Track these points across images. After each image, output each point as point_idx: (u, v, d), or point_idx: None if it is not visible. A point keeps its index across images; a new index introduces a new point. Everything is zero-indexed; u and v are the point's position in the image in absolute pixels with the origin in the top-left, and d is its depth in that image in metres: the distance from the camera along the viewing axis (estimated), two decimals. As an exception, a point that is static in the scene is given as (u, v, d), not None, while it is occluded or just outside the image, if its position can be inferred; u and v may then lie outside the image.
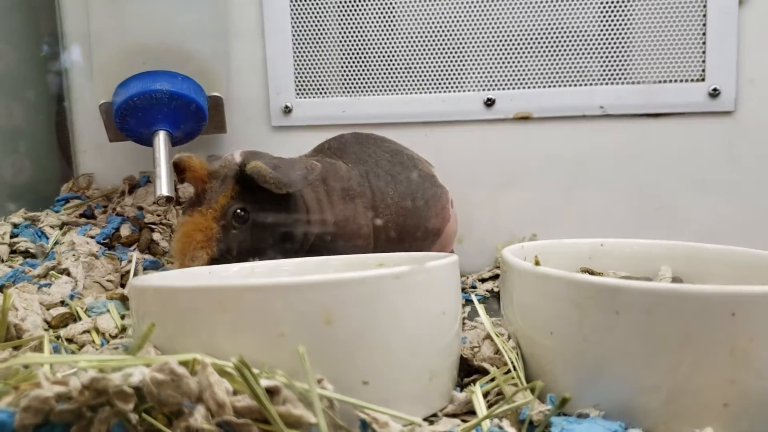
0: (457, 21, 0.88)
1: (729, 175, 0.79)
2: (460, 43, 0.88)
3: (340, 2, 0.90)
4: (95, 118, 0.85)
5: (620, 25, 0.84)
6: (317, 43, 0.91)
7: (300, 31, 0.91)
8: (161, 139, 0.75)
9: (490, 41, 0.87)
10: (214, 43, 0.84)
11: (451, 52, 0.88)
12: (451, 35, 0.88)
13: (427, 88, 0.90)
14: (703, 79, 0.83)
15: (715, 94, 0.82)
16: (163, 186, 0.72)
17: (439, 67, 0.89)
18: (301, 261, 0.58)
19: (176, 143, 0.80)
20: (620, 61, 0.85)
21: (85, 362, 0.36)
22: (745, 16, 0.81)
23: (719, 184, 0.78)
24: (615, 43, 0.84)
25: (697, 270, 0.56)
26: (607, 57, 0.85)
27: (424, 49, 0.89)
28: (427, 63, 0.89)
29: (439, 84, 0.89)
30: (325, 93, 0.92)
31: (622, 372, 0.41)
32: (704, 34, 0.82)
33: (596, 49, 0.85)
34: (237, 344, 0.38)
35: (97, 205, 0.90)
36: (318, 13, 0.90)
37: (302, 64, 0.92)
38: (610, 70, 0.85)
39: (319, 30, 0.91)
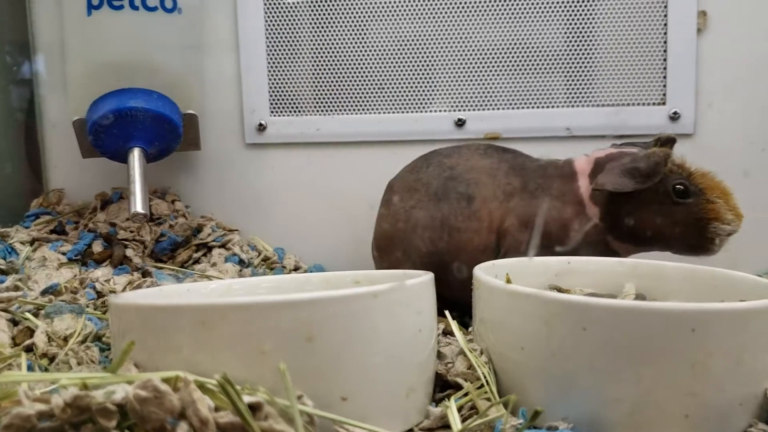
0: (430, 42, 0.90)
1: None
2: (432, 65, 0.90)
3: (314, 22, 0.91)
4: (67, 132, 0.85)
5: (586, 50, 0.87)
6: (291, 61, 0.92)
7: (274, 49, 0.92)
8: (136, 156, 0.76)
9: (461, 63, 0.90)
10: (189, 61, 0.84)
11: (423, 73, 0.91)
12: (423, 56, 0.90)
13: (400, 108, 0.91)
14: (664, 103, 0.86)
15: (675, 117, 0.86)
16: (138, 203, 0.72)
17: (412, 87, 0.91)
18: (279, 278, 0.59)
19: (150, 160, 0.81)
20: (586, 84, 0.88)
21: (67, 380, 0.36)
22: (703, 44, 0.85)
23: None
24: (581, 67, 0.87)
25: (660, 287, 0.58)
26: (573, 81, 0.88)
27: (397, 70, 0.91)
28: (399, 83, 0.91)
29: (412, 104, 0.91)
30: (299, 111, 0.93)
31: (589, 386, 0.43)
32: (665, 60, 0.85)
33: (563, 73, 0.87)
34: (219, 362, 0.39)
35: (69, 221, 0.89)
36: (292, 32, 0.92)
37: (276, 83, 0.93)
38: (576, 94, 0.88)
39: (293, 49, 0.92)
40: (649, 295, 0.58)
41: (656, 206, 0.66)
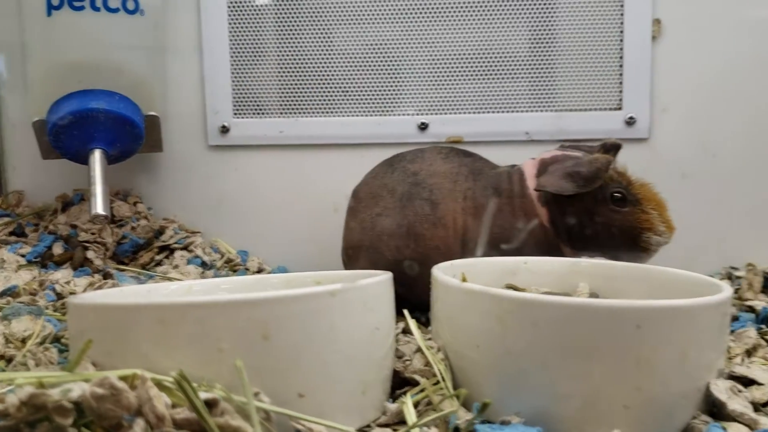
0: (394, 47, 0.91)
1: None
2: (396, 69, 0.92)
3: (279, 24, 0.92)
4: (27, 134, 0.84)
5: (546, 57, 0.89)
6: (255, 63, 0.93)
7: (238, 51, 0.93)
8: (97, 157, 0.75)
9: (425, 68, 0.91)
10: (151, 62, 0.84)
11: (387, 77, 0.92)
12: (387, 60, 0.92)
13: (364, 111, 0.92)
14: (620, 108, 0.89)
15: (631, 122, 0.88)
16: (99, 204, 0.72)
17: (376, 90, 0.92)
18: (239, 279, 0.59)
19: (112, 161, 0.80)
20: (545, 90, 0.90)
21: (23, 379, 0.36)
22: (657, 51, 0.88)
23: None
24: (541, 73, 0.89)
25: (612, 287, 0.60)
26: (533, 86, 0.89)
27: (362, 73, 0.92)
28: (363, 87, 0.92)
29: (376, 107, 0.92)
30: (263, 113, 0.94)
31: (541, 381, 0.44)
32: (621, 66, 0.88)
33: (524, 78, 0.89)
34: (176, 360, 0.39)
35: (28, 223, 0.88)
36: (256, 34, 0.92)
37: (240, 84, 0.93)
38: (536, 99, 0.90)
39: (257, 51, 0.93)
40: (602, 294, 0.60)
41: (595, 211, 0.68)
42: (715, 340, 0.47)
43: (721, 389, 0.47)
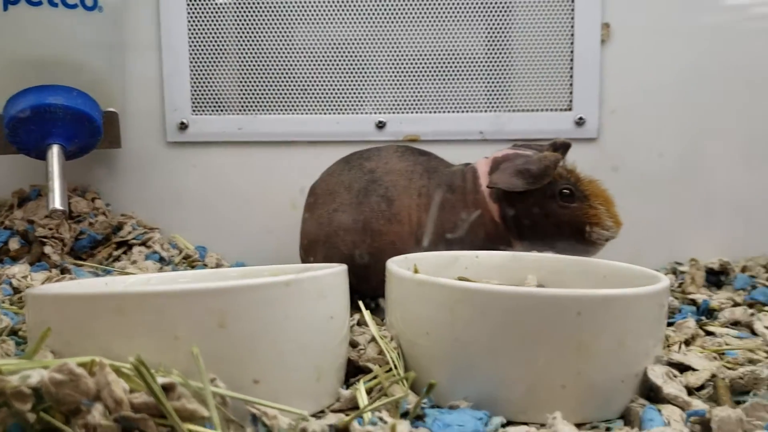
0: (353, 46, 0.93)
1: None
2: (355, 68, 0.93)
3: (238, 21, 0.93)
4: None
5: (501, 59, 0.92)
6: (214, 60, 0.94)
7: (197, 48, 0.93)
8: (55, 152, 0.75)
9: (383, 67, 0.93)
10: (110, 59, 0.85)
11: (345, 76, 0.93)
12: (346, 59, 0.93)
13: (323, 110, 0.94)
14: (570, 109, 0.92)
15: (580, 122, 0.91)
16: (57, 199, 0.72)
17: (334, 89, 0.94)
18: (197, 273, 0.60)
19: (70, 157, 0.80)
20: (499, 91, 0.92)
21: (-19, 367, 0.37)
22: (606, 54, 0.91)
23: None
24: (495, 74, 0.92)
25: (558, 279, 0.62)
26: (488, 87, 0.92)
27: (320, 72, 0.93)
28: (322, 85, 0.94)
29: (334, 106, 0.94)
30: (222, 110, 0.94)
31: (488, 367, 0.47)
32: (571, 69, 0.91)
33: (479, 79, 0.92)
34: (134, 348, 0.40)
35: (-17, 219, 0.88)
36: (215, 31, 0.93)
37: (199, 81, 0.94)
38: (490, 99, 0.92)
39: (216, 48, 0.93)
40: (548, 286, 0.62)
41: (545, 207, 0.71)
42: (652, 328, 0.49)
43: (658, 374, 0.49)
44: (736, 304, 0.78)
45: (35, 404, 0.35)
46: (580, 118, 0.91)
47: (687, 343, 0.63)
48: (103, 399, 0.36)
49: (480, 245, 0.70)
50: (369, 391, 0.48)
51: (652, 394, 0.50)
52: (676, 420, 0.46)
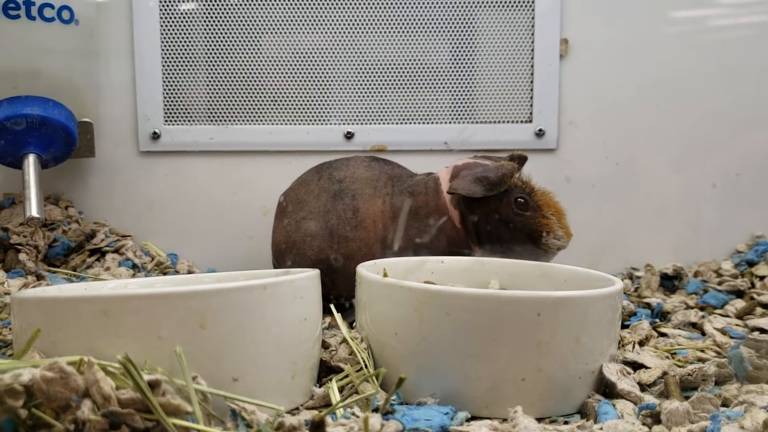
0: (322, 57, 0.95)
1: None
2: (324, 79, 0.96)
3: (210, 34, 0.95)
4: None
5: (464, 72, 0.95)
6: (186, 71, 0.95)
7: (169, 59, 0.95)
8: (31, 161, 0.77)
9: (351, 79, 0.96)
10: (84, 69, 0.86)
11: (315, 87, 0.96)
12: (315, 71, 0.96)
13: (292, 120, 0.96)
14: (530, 121, 0.96)
15: (540, 134, 0.95)
16: (33, 207, 0.73)
17: (304, 100, 0.96)
18: (173, 278, 0.62)
19: (45, 166, 0.81)
20: (464, 103, 0.96)
21: (-27, 366, 0.39)
22: (565, 68, 0.95)
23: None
24: (460, 87, 0.95)
25: (519, 282, 0.66)
26: (453, 99, 0.96)
27: (290, 83, 0.96)
28: (292, 96, 0.96)
29: (304, 116, 0.96)
30: (194, 120, 0.96)
31: (454, 365, 0.50)
32: (532, 82, 0.95)
33: (444, 91, 0.95)
34: (119, 348, 0.42)
35: (-45, 227, 0.88)
36: (187, 42, 0.95)
37: (171, 92, 0.96)
38: (454, 111, 0.96)
39: (188, 59, 0.95)
40: (510, 289, 0.66)
41: (502, 214, 0.74)
42: (607, 328, 0.53)
43: (612, 371, 0.53)
44: (688, 307, 0.82)
45: (27, 401, 0.37)
46: (540, 130, 0.95)
47: (641, 343, 0.67)
48: (91, 395, 0.38)
49: (443, 250, 0.73)
50: (341, 390, 0.51)
51: (607, 390, 0.53)
52: (629, 413, 0.49)
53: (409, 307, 0.50)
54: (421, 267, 0.67)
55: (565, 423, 0.49)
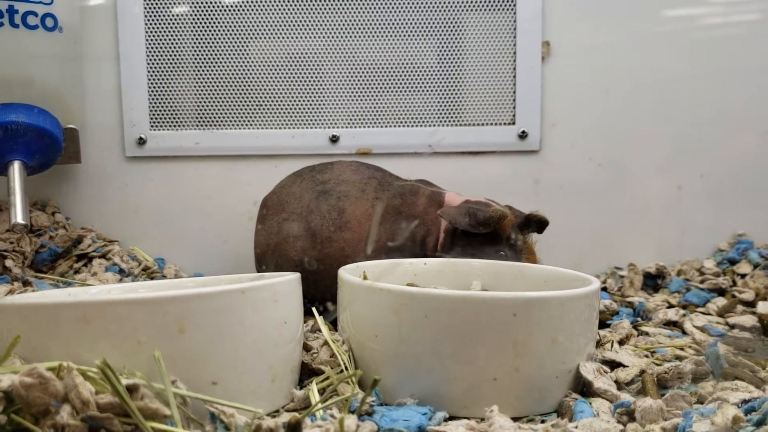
0: (308, 61, 0.96)
1: (534, 203, 0.90)
2: (310, 83, 0.97)
3: (195, 38, 0.95)
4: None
5: (448, 75, 0.96)
6: (172, 76, 0.96)
7: (155, 64, 0.96)
8: (16, 168, 0.77)
9: (337, 83, 0.96)
10: (69, 76, 0.86)
11: (300, 91, 0.97)
12: (301, 75, 0.96)
13: (278, 124, 0.97)
14: (513, 123, 0.97)
15: (523, 135, 0.96)
16: (19, 213, 0.74)
17: (289, 104, 0.97)
18: (157, 283, 0.63)
19: (30, 173, 0.82)
20: (447, 106, 0.97)
21: (-47, 373, 0.39)
22: (546, 71, 0.96)
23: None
24: (444, 90, 0.96)
25: (500, 284, 0.67)
26: (437, 102, 0.96)
27: (276, 87, 0.97)
28: (277, 100, 0.97)
29: (289, 120, 0.97)
30: (179, 126, 0.97)
31: (432, 366, 0.50)
32: (515, 84, 0.96)
33: (428, 94, 0.96)
34: (99, 353, 0.42)
35: (-59, 234, 0.88)
36: (173, 47, 0.95)
37: (157, 97, 0.96)
38: (438, 114, 0.97)
39: (173, 64, 0.96)
40: (491, 290, 0.66)
41: (481, 254, 0.73)
42: (584, 327, 0.54)
43: (589, 370, 0.54)
44: (670, 306, 0.83)
45: (6, 406, 0.38)
46: (523, 132, 0.96)
47: (621, 342, 0.68)
48: (70, 400, 0.38)
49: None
50: (321, 392, 0.51)
51: (584, 389, 0.54)
52: (605, 411, 0.50)
53: (388, 310, 0.51)
54: (404, 270, 0.68)
55: (542, 422, 0.50)
